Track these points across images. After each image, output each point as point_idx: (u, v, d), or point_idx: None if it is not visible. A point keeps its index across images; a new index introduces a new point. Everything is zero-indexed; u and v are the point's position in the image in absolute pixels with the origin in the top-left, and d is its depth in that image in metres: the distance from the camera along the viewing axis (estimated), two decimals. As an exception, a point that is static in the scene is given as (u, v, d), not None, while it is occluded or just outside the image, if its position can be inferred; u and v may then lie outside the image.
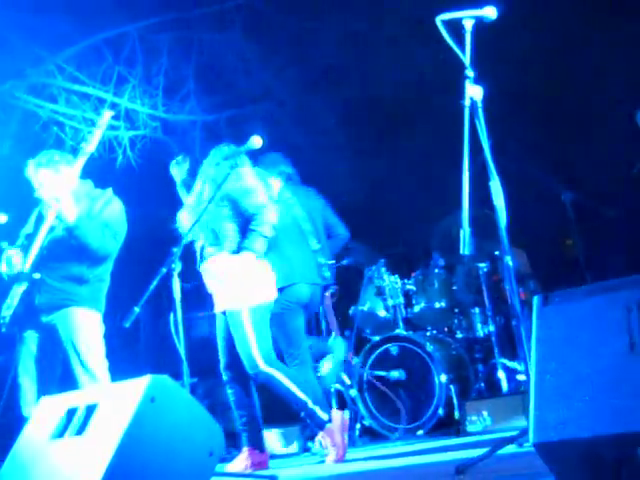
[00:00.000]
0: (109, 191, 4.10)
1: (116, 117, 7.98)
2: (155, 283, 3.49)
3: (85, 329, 3.85)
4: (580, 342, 1.66)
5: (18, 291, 3.82)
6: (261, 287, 3.94)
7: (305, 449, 4.98)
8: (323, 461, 3.86)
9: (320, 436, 3.93)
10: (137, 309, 3.48)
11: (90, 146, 3.92)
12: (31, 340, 3.91)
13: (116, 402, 2.51)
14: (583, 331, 1.67)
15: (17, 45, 6.92)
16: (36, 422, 2.80)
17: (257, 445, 3.96)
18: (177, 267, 3.53)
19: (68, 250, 3.85)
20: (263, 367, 3.80)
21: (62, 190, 3.82)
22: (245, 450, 3.94)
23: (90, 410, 2.58)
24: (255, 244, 3.86)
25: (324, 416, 3.82)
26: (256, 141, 3.83)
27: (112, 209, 3.99)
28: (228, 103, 7.91)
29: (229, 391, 4.02)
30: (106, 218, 3.94)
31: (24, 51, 7.14)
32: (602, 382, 1.56)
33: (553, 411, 1.58)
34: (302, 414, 3.87)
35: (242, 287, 3.88)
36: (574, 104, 5.95)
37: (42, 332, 3.89)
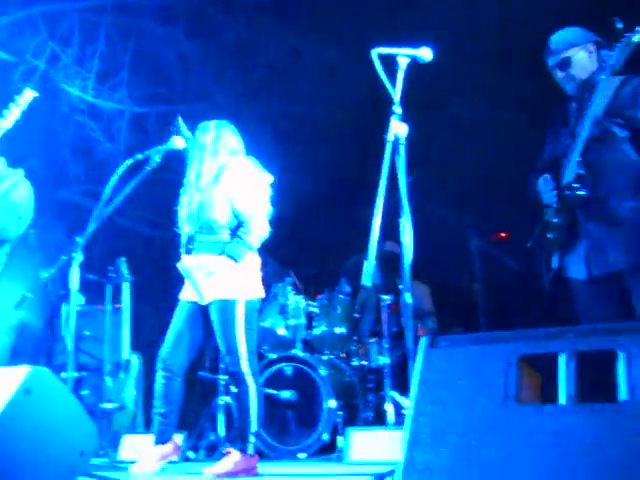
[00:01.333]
0: (20, 172, 4.00)
1: (44, 92, 7.77)
2: (53, 271, 3.40)
3: None
4: (458, 389, 1.70)
5: None
6: (256, 282, 3.93)
7: (185, 458, 4.90)
8: (197, 473, 3.80)
9: (227, 453, 3.87)
10: (29, 295, 3.39)
11: (6, 123, 3.83)
12: None
13: (-10, 389, 2.42)
14: (463, 378, 1.71)
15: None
16: None
17: (166, 438, 3.86)
18: (78, 257, 3.45)
19: None
20: (246, 371, 3.77)
21: None
22: (152, 445, 3.86)
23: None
24: (238, 253, 3.83)
25: (251, 449, 3.78)
26: (178, 142, 3.79)
27: (20, 192, 3.89)
28: (160, 98, 7.80)
29: (160, 379, 3.87)
30: (12, 200, 3.84)
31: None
32: (472, 432, 1.59)
33: (422, 454, 1.60)
34: (236, 432, 3.81)
35: (240, 278, 3.84)
36: (494, 160, 6.15)
37: None
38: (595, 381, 1.67)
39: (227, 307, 3.81)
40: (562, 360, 1.67)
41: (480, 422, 1.60)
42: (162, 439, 3.88)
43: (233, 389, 3.82)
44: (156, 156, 3.81)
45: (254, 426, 3.79)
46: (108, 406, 5.32)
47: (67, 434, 2.49)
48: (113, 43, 7.62)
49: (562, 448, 1.49)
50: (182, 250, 3.97)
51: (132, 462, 4.58)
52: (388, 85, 3.04)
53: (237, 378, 3.82)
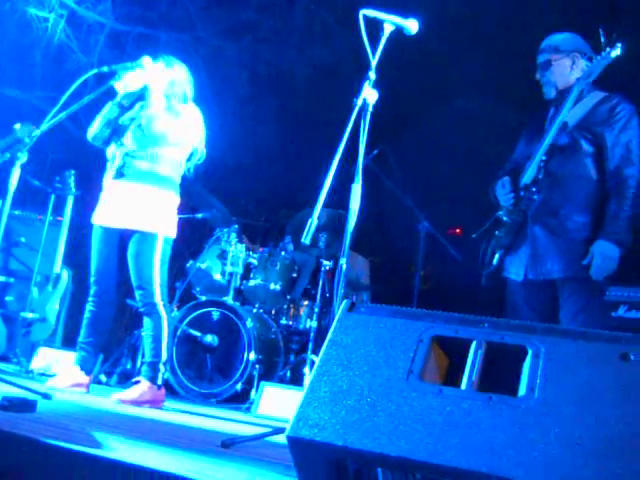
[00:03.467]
0: None
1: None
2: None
3: None
4: (367, 356, 1.69)
5: None
6: (174, 221, 3.97)
7: (97, 381, 4.88)
8: (105, 396, 3.80)
9: (137, 382, 3.89)
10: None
11: None
12: None
13: None
14: (374, 346, 1.71)
15: None
16: None
17: (87, 368, 3.97)
18: (22, 157, 3.35)
19: None
20: (159, 302, 3.83)
21: None
22: (74, 368, 3.94)
23: None
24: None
25: (160, 379, 3.85)
26: (146, 61, 3.70)
27: None
28: (143, 20, 7.60)
29: (89, 307, 3.96)
30: None
31: None
32: (370, 398, 1.60)
33: (317, 412, 1.60)
34: (146, 361, 3.86)
35: (162, 213, 3.88)
36: (465, 153, 6.17)
37: None
38: (501, 375, 1.69)
39: (145, 240, 3.85)
40: (472, 347, 1.68)
41: (380, 391, 1.60)
42: (84, 367, 3.94)
43: (146, 320, 3.83)
44: (122, 72, 3.71)
45: (164, 356, 3.84)
46: (29, 316, 5.25)
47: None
48: (106, -48, 7.39)
49: (453, 429, 1.51)
50: (112, 174, 3.93)
51: (42, 373, 4.57)
52: (368, 49, 3.00)
53: (150, 309, 3.84)
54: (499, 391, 1.60)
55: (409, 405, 1.57)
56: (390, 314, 1.79)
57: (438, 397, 1.57)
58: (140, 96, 4.00)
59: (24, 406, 2.51)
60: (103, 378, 4.95)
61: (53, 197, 5.61)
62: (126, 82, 3.85)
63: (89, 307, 3.96)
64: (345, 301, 1.85)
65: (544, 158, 3.36)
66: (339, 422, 1.56)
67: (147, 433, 2.65)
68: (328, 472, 1.59)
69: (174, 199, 4.01)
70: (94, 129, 3.98)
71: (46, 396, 3.13)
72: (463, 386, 1.61)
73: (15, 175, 3.32)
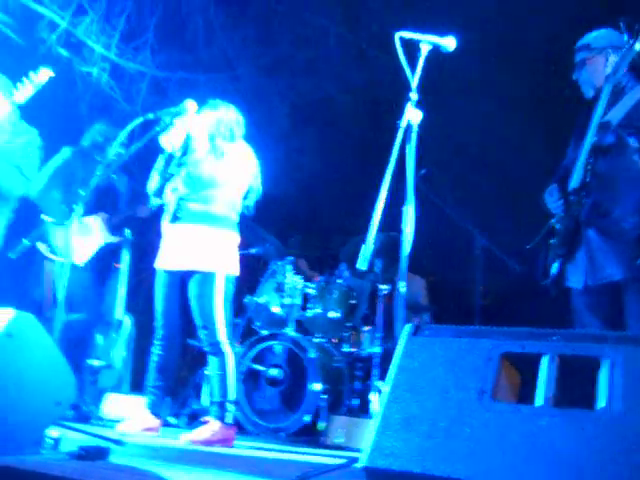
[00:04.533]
0: (34, 132, 4.16)
1: (68, 46, 7.76)
2: (49, 219, 3.39)
3: None
4: (436, 379, 1.67)
5: None
6: (234, 259, 4.00)
7: (167, 423, 4.92)
8: (174, 438, 3.82)
9: (206, 422, 3.91)
10: (26, 242, 3.38)
11: (20, 97, 3.96)
12: None
13: (-28, 329, 2.41)
14: (442, 368, 1.69)
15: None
16: None
17: (157, 411, 4.00)
18: (78, 210, 3.44)
19: None
20: (223, 341, 3.85)
21: None
22: (144, 412, 3.98)
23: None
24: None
25: (229, 418, 3.84)
26: (190, 105, 3.76)
27: (31, 153, 4.08)
28: (183, 65, 7.76)
29: (156, 351, 4.00)
30: (21, 160, 4.02)
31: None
32: (444, 422, 1.57)
33: (391, 440, 1.58)
34: (215, 400, 3.88)
35: (219, 252, 3.91)
36: (506, 155, 6.09)
37: None
38: (575, 387, 1.64)
39: (205, 280, 3.87)
40: (544, 362, 1.64)
41: (453, 414, 1.57)
42: (154, 411, 3.99)
43: (211, 359, 3.86)
44: (167, 117, 3.78)
45: (232, 395, 3.84)
46: (95, 363, 5.33)
47: (45, 382, 2.48)
48: (141, 4, 7.58)
49: (532, 449, 1.47)
50: (168, 218, 3.99)
51: (113, 420, 4.63)
52: (407, 71, 3.00)
53: (214, 348, 3.86)
54: (576, 405, 1.56)
55: (484, 426, 1.53)
56: (455, 334, 1.77)
57: (514, 416, 1.53)
58: (186, 143, 4.07)
59: (98, 454, 2.54)
60: (172, 420, 4.99)
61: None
62: (170, 139, 3.93)
63: (156, 351, 4.01)
64: (408, 325, 1.83)
65: (590, 160, 3.29)
66: (415, 449, 1.54)
67: (222, 472, 2.65)
68: (408, 501, 1.56)
69: (232, 237, 4.03)
70: (154, 184, 4.06)
71: (119, 442, 3.15)
72: (538, 402, 1.57)
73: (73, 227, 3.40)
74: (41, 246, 4.69)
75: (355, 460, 2.68)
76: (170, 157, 4.02)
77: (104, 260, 5.00)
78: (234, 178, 4.01)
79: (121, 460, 2.60)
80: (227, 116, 4.09)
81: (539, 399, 1.57)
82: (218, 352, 3.86)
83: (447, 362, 1.69)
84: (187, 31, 7.70)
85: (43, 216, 4.62)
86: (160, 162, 4.05)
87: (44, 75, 4.07)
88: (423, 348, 1.76)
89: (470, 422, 1.55)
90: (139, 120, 3.70)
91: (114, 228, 4.78)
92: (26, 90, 3.99)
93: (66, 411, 2.64)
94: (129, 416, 4.22)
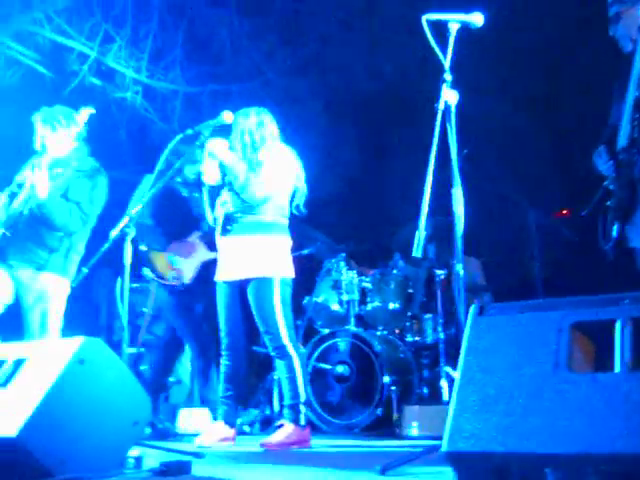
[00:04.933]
0: (95, 166, 4.31)
1: (99, 75, 7.91)
2: (107, 246, 3.45)
3: (54, 295, 4.12)
4: (507, 356, 1.65)
5: None
6: (288, 262, 4.04)
7: (241, 432, 4.97)
8: (252, 445, 3.85)
9: (280, 426, 3.94)
10: (85, 270, 3.45)
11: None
12: None
13: (45, 359, 2.47)
14: (512, 345, 1.67)
15: (7, -11, 6.79)
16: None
17: (231, 420, 4.03)
18: (131, 232, 3.48)
19: (41, 220, 4.09)
20: (287, 344, 3.88)
21: (42, 171, 4.03)
22: (218, 423, 4.01)
23: (18, 364, 2.54)
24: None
25: (303, 420, 3.86)
26: (227, 117, 3.78)
27: (90, 189, 4.20)
28: (213, 77, 7.83)
29: (223, 362, 4.04)
30: (80, 197, 4.15)
31: (14, -4, 7.01)
32: (522, 399, 1.55)
33: (470, 422, 1.57)
34: (286, 403, 3.91)
35: (273, 257, 3.95)
36: (554, 123, 5.97)
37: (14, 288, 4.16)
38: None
39: (262, 286, 3.90)
40: (617, 327, 1.60)
41: (529, 390, 1.55)
42: (228, 420, 4.01)
43: (279, 363, 3.88)
44: (206, 131, 3.81)
45: (303, 396, 3.85)
46: (166, 380, 5.42)
47: (120, 404, 2.53)
48: (165, 23, 7.68)
49: (614, 417, 1.44)
50: (219, 231, 4.03)
51: (189, 434, 4.69)
52: (439, 53, 2.97)
53: (280, 352, 3.88)
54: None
55: (563, 399, 1.51)
56: (521, 310, 1.74)
57: (592, 385, 1.51)
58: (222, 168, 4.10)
59: (180, 468, 2.58)
60: (246, 428, 5.03)
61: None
62: (207, 172, 4.00)
63: (224, 361, 4.05)
64: (473, 306, 1.81)
65: (635, 115, 3.21)
66: (494, 429, 1.52)
67: (305, 470, 2.67)
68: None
69: (284, 241, 4.05)
70: (210, 217, 4.16)
71: (198, 455, 3.20)
72: (617, 369, 1.54)
73: (128, 250, 3.45)
74: (147, 272, 4.91)
75: (433, 447, 2.68)
76: (213, 188, 4.08)
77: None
78: (279, 185, 4.00)
79: (203, 472, 2.64)
80: (261, 120, 4.10)
81: (617, 365, 1.54)
82: (284, 355, 3.88)
83: (517, 338, 1.67)
84: (213, 43, 7.78)
85: (141, 245, 4.82)
86: (206, 195, 4.12)
87: (86, 114, 4.22)
88: (490, 328, 1.74)
89: (548, 396, 1.52)
90: (179, 137, 3.73)
91: (210, 244, 4.83)
92: (72, 133, 4.23)
93: (144, 430, 2.68)
94: (204, 429, 4.28)
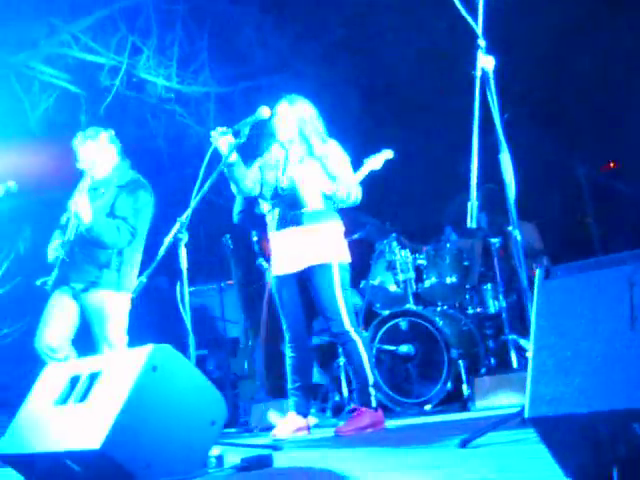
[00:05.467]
0: (136, 179, 4.42)
1: (131, 88, 8.02)
2: (162, 254, 3.49)
3: (112, 310, 4.25)
4: (580, 316, 1.62)
5: (54, 273, 4.33)
6: (344, 247, 4.05)
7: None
8: (327, 432, 3.87)
9: (352, 410, 3.94)
10: (143, 279, 3.50)
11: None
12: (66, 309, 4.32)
13: (119, 370, 2.52)
14: (584, 305, 1.63)
15: (31, 15, 6.90)
16: (41, 389, 2.83)
17: (303, 411, 4.04)
18: (184, 237, 3.52)
19: (91, 241, 4.24)
20: (350, 329, 3.88)
21: (82, 197, 4.18)
22: (291, 414, 4.02)
23: (93, 378, 2.60)
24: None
25: (374, 402, 3.86)
26: (264, 112, 3.78)
27: (134, 202, 4.33)
28: (243, 75, 7.86)
29: (289, 354, 4.06)
30: (125, 212, 4.28)
31: (38, 21, 7.12)
32: (600, 357, 1.52)
33: (550, 386, 1.55)
34: (355, 387, 3.93)
35: (330, 243, 3.96)
36: (594, 76, 5.81)
37: (79, 307, 4.32)
38: None
39: (322, 272, 3.90)
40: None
41: (607, 348, 1.52)
42: (300, 411, 4.02)
43: (344, 349, 3.88)
44: (245, 129, 3.82)
45: (371, 379, 3.86)
46: (232, 378, 5.49)
47: (196, 406, 2.56)
48: (190, 27, 7.72)
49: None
50: (273, 226, 4.02)
51: (263, 428, 4.74)
52: (469, 19, 2.93)
53: (343, 337, 3.88)
54: None
55: (644, 353, 1.48)
56: (589, 268, 1.71)
57: (674, 335, 1.47)
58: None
59: (262, 462, 2.61)
60: (318, 416, 5.06)
61: (219, 264, 5.88)
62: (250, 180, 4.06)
63: (288, 353, 4.07)
64: (538, 270, 1.78)
65: None
66: (577, 390, 1.50)
67: (383, 454, 2.68)
68: (581, 443, 1.53)
69: (338, 226, 4.05)
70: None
71: (277, 447, 3.24)
72: (695, 317, 1.50)
73: (183, 255, 3.49)
74: (262, 262, 5.03)
75: (510, 416, 2.66)
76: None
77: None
78: (333, 179, 3.98)
79: (284, 464, 2.67)
80: (309, 111, 4.10)
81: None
82: (347, 341, 3.89)
83: (588, 298, 1.64)
84: (239, 41, 7.78)
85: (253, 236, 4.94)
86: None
87: (105, 135, 4.40)
88: (559, 290, 1.71)
89: (627, 351, 1.49)
90: (209, 154, 3.74)
91: None
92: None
93: (222, 428, 2.71)
94: (277, 421, 4.32)
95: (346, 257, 4.02)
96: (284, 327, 4.08)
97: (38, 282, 4.45)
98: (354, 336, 3.88)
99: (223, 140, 3.78)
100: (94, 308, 4.26)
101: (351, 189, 3.95)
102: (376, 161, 4.24)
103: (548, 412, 1.51)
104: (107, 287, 4.26)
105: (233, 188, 4.09)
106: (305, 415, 4.07)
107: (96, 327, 4.26)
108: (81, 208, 4.17)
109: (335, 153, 4.05)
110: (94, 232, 4.19)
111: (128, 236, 4.27)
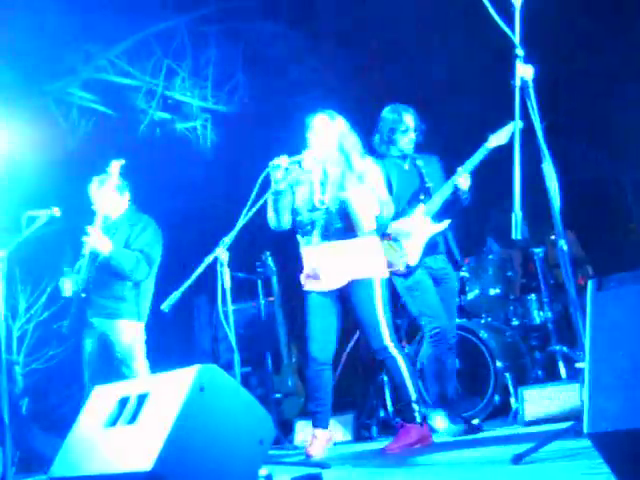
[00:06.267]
0: (145, 218, 4.69)
1: (167, 110, 8.13)
2: (200, 270, 3.51)
3: (129, 338, 4.48)
4: (637, 328, 1.58)
5: (72, 310, 4.53)
6: (384, 262, 4.03)
7: (359, 437, 4.97)
8: (374, 450, 3.83)
9: (399, 427, 3.89)
10: (177, 294, 3.51)
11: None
12: (92, 348, 4.55)
13: (166, 391, 2.53)
14: (640, 316, 1.60)
15: (68, 43, 7.05)
16: (90, 411, 2.85)
17: (325, 426, 4.01)
18: (224, 257, 3.53)
19: (109, 274, 4.47)
20: (390, 345, 3.83)
21: (96, 230, 4.42)
22: (318, 431, 3.97)
23: (141, 399, 2.61)
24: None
25: (419, 418, 3.81)
26: (307, 155, 3.90)
27: (147, 236, 4.59)
28: (277, 92, 7.89)
29: (315, 372, 3.98)
30: (140, 245, 4.53)
31: (75, 48, 7.27)
32: (661, 369, 1.48)
33: (609, 400, 1.51)
34: (400, 404, 3.88)
35: (371, 257, 3.94)
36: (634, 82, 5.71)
37: (98, 342, 4.53)
38: None
39: (364, 287, 3.86)
40: None
41: (669, 359, 1.48)
42: (321, 425, 3.99)
43: (385, 365, 3.84)
44: (292, 166, 3.90)
45: (413, 395, 3.81)
46: (277, 395, 5.48)
47: (244, 425, 2.56)
48: (223, 47, 7.80)
49: None
50: (317, 238, 4.00)
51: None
52: (506, 29, 2.89)
53: (383, 353, 3.84)
54: None
55: None
56: (643, 278, 1.67)
57: None
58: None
59: (312, 480, 2.59)
60: (364, 433, 5.02)
61: (260, 282, 5.89)
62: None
63: (315, 371, 3.99)
64: (590, 282, 1.75)
65: None
66: (638, 404, 1.46)
67: (433, 470, 2.64)
68: (643, 459, 1.49)
69: (377, 241, 4.03)
70: (287, 218, 4.13)
71: (325, 466, 3.21)
72: None
73: (226, 275, 3.51)
74: None
75: (563, 430, 2.60)
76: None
77: None
78: (373, 198, 3.96)
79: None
80: (346, 125, 4.08)
81: None
82: (387, 357, 3.83)
83: (644, 308, 1.60)
84: (272, 58, 7.82)
85: None
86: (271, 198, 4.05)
87: (117, 166, 4.53)
88: (613, 301, 1.67)
89: (690, 363, 1.45)
90: (265, 173, 3.76)
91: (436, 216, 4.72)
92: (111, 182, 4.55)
93: (270, 447, 2.70)
94: (306, 439, 4.24)
95: (386, 272, 4.01)
96: (312, 345, 4.00)
97: (55, 326, 4.70)
98: (393, 351, 3.82)
99: (281, 165, 3.82)
100: (117, 338, 4.46)
101: (391, 210, 3.98)
102: (502, 135, 4.16)
103: (609, 427, 1.47)
104: (128, 317, 4.50)
105: (271, 219, 4.08)
106: (325, 428, 4.01)
107: (120, 357, 4.46)
108: (99, 240, 4.39)
109: (373, 170, 4.04)
110: (114, 261, 4.42)
111: (146, 267, 4.52)
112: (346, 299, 3.94)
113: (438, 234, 4.41)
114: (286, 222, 4.10)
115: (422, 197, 4.41)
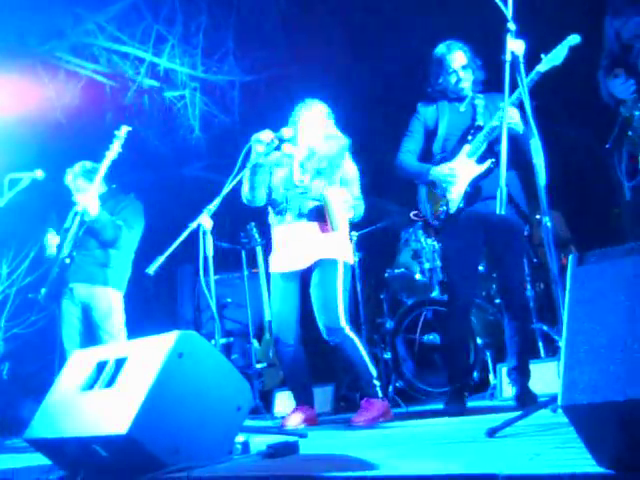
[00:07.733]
0: (131, 196, 4.87)
1: (156, 77, 8.04)
2: (185, 236, 3.49)
3: (108, 304, 4.64)
4: (616, 302, 1.58)
5: (51, 276, 4.62)
6: (350, 248, 4.11)
7: (338, 409, 5.00)
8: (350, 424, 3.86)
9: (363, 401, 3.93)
10: (162, 258, 3.49)
11: (111, 153, 4.54)
12: (71, 314, 4.67)
13: (145, 356, 2.52)
14: (620, 291, 1.59)
15: (57, 5, 6.94)
16: (68, 374, 2.84)
17: (307, 401, 4.07)
18: (209, 224, 3.50)
19: (94, 241, 4.64)
20: (346, 327, 3.85)
21: (91, 191, 4.54)
22: (299, 407, 4.03)
23: (119, 363, 2.61)
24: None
25: (380, 393, 3.88)
26: (286, 133, 3.86)
27: (131, 209, 4.78)
28: (267, 63, 7.81)
29: (285, 348, 4.03)
30: (125, 215, 4.71)
31: (64, 11, 7.15)
32: (637, 344, 1.48)
33: (584, 373, 1.51)
34: (360, 382, 3.94)
35: (338, 241, 3.97)
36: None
37: (79, 307, 4.67)
38: None
39: (328, 267, 3.89)
40: None
41: (645, 334, 1.49)
42: (298, 401, 4.06)
43: (341, 346, 3.84)
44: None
45: (374, 371, 3.87)
46: (258, 366, 5.49)
47: (222, 392, 2.56)
48: (215, 15, 7.69)
49: None
50: (290, 217, 4.00)
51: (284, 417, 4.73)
52: (499, 2, 2.86)
53: (341, 335, 3.85)
54: None
55: (683, 339, 1.44)
56: (624, 253, 1.67)
57: None
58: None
59: (288, 449, 2.59)
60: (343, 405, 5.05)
61: (244, 253, 5.88)
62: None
63: (284, 348, 4.04)
64: (571, 257, 1.75)
65: None
66: (612, 377, 1.46)
67: (407, 441, 2.66)
68: (616, 431, 1.49)
69: (346, 227, 4.06)
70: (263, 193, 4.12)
71: (302, 435, 3.22)
72: None
73: (209, 243, 3.48)
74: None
75: (538, 405, 2.62)
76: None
77: None
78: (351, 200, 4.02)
79: (308, 451, 2.65)
80: (323, 112, 4.14)
81: None
82: (346, 337, 3.85)
83: (623, 283, 1.60)
84: (265, 28, 7.73)
85: None
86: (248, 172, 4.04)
87: (124, 130, 4.55)
88: (592, 276, 1.67)
89: (666, 339, 1.46)
90: (247, 147, 3.75)
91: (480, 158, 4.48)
92: (114, 147, 4.54)
93: (247, 415, 2.71)
94: (287, 411, 4.29)
95: (351, 258, 4.06)
96: (275, 325, 4.05)
97: (30, 295, 4.81)
98: (349, 333, 3.85)
99: (265, 138, 3.82)
100: (96, 304, 4.60)
101: (360, 210, 4.05)
102: (558, 55, 3.58)
103: (583, 400, 1.47)
104: (109, 284, 4.65)
105: (246, 193, 4.08)
106: (311, 405, 4.07)
107: (99, 322, 4.59)
108: (90, 201, 4.47)
109: (350, 168, 4.09)
110: (99, 224, 4.53)
111: (128, 236, 4.69)
112: (307, 281, 3.97)
113: (487, 178, 3.80)
114: (260, 198, 4.11)
115: (470, 138, 3.88)
